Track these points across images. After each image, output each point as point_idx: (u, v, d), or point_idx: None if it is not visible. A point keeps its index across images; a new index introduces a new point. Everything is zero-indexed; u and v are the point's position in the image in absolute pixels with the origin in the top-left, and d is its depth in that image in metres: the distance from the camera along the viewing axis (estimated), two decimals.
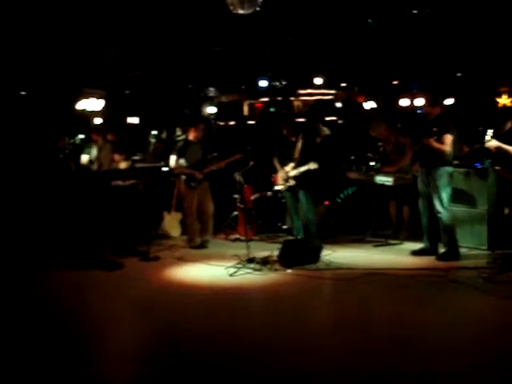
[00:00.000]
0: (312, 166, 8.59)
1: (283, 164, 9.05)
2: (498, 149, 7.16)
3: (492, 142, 7.11)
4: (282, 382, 4.40)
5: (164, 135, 13.57)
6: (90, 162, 9.83)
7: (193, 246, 9.19)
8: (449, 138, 7.68)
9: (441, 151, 7.67)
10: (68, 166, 10.81)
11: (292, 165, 8.90)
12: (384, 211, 9.19)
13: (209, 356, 4.90)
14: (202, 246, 9.20)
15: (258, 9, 6.74)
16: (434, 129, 7.65)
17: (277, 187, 9.99)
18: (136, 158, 9.96)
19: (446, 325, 5.46)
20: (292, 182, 8.94)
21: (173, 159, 9.28)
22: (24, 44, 10.72)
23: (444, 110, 8.08)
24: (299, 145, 8.91)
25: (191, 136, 9.41)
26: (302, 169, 8.75)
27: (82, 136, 10.80)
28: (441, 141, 7.65)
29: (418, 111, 14.59)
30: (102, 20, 10.21)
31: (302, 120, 13.51)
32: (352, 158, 10.99)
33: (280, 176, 9.11)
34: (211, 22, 10.71)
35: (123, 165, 10.26)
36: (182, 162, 9.20)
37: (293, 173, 8.89)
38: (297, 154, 8.89)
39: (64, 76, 12.29)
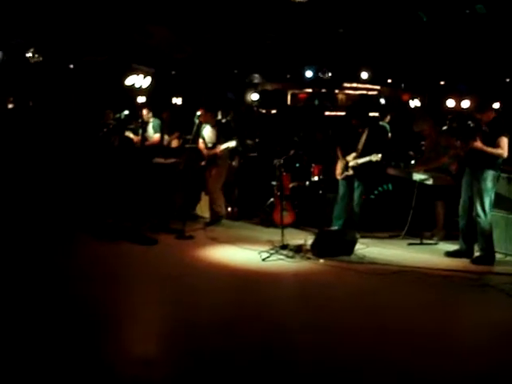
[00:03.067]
0: (374, 157, 8.68)
1: (346, 153, 9.11)
2: None
3: None
4: (304, 367, 4.42)
5: None
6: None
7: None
8: (504, 141, 7.58)
9: (497, 154, 7.57)
10: (111, 140, 10.97)
11: (354, 155, 8.98)
12: (422, 210, 9.13)
13: (234, 338, 4.94)
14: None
15: None
16: (485, 128, 7.56)
17: (315, 178, 10.04)
18: (188, 137, 10.09)
19: (472, 328, 5.47)
20: (350, 172, 9.02)
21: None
22: (75, 19, 10.86)
23: (498, 114, 7.94)
24: (364, 136, 9.01)
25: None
26: (362, 160, 8.85)
27: (126, 112, 10.93)
28: (496, 143, 7.56)
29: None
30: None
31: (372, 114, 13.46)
32: (392, 154, 10.93)
33: (340, 165, 9.18)
34: (261, 8, 10.73)
35: (175, 143, 10.44)
36: (200, 140, 9.83)
37: (352, 163, 8.96)
38: (360, 145, 8.99)
39: (113, 51, 12.42)
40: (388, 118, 12.41)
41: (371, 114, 13.77)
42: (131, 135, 10.47)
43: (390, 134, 12.56)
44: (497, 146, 7.56)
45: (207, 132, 9.80)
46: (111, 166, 10.01)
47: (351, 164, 8.99)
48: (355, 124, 9.17)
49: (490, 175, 7.63)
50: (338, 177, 9.23)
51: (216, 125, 9.78)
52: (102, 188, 9.76)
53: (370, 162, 8.76)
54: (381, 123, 12.11)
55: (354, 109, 9.83)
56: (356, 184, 9.05)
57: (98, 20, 11.03)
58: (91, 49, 12.55)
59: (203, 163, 9.76)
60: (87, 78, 13.22)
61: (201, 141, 9.84)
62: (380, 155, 8.68)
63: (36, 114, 11.95)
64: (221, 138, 9.65)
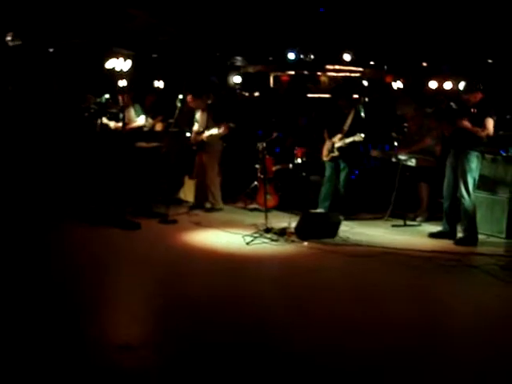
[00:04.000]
0: (357, 137, 8.78)
1: (332, 135, 9.09)
2: None
3: None
4: (285, 353, 4.39)
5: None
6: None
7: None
8: (490, 122, 7.60)
9: (482, 135, 7.58)
10: (93, 124, 10.84)
11: (339, 136, 9.01)
12: (405, 191, 9.14)
13: (217, 321, 4.93)
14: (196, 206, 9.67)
15: None
16: (473, 110, 7.57)
17: (298, 160, 10.02)
18: (170, 121, 10.01)
19: (457, 309, 5.49)
20: (336, 153, 9.04)
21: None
22: (54, 2, 10.69)
23: (485, 96, 7.93)
24: (350, 118, 9.08)
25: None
26: (348, 140, 8.89)
27: (107, 96, 10.81)
28: (483, 124, 7.57)
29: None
30: None
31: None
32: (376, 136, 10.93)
33: (326, 146, 9.22)
34: None
35: (159, 126, 10.35)
36: (195, 126, 9.86)
37: (339, 144, 8.98)
38: (346, 126, 9.07)
39: (93, 35, 12.26)
40: (363, 99, 12.47)
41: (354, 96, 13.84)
42: (108, 121, 10.34)
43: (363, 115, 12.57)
44: (483, 126, 7.58)
45: (199, 117, 9.77)
46: (93, 150, 9.91)
47: (338, 145, 9.01)
48: (342, 105, 9.20)
49: (473, 156, 7.66)
50: (325, 158, 9.25)
51: (206, 109, 9.69)
52: (85, 173, 9.66)
53: (354, 142, 8.80)
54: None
55: (340, 90, 9.83)
56: (342, 165, 9.09)
57: (77, 3, 10.86)
58: (71, 32, 12.38)
59: (194, 148, 9.75)
60: (67, 62, 13.04)
61: (195, 125, 9.80)
62: (363, 135, 8.70)
63: (16, 99, 11.79)
64: (210, 122, 9.56)
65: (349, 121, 9.07)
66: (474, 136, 7.60)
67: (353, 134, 8.84)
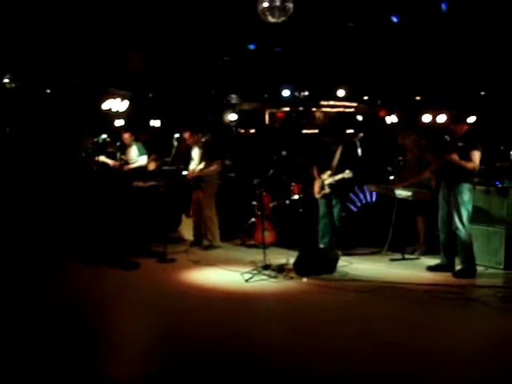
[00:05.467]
0: (347, 174, 8.68)
1: (321, 172, 9.14)
2: None
3: None
4: None
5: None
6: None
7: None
8: (476, 154, 7.67)
9: (469, 168, 7.65)
10: (89, 164, 10.91)
11: (329, 173, 9.01)
12: (403, 225, 9.16)
13: (218, 360, 4.91)
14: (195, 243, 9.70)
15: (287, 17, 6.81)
16: (460, 144, 7.64)
17: (295, 196, 10.07)
18: (167, 159, 10.08)
19: (458, 341, 5.46)
20: (327, 190, 9.03)
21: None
22: (51, 44, 10.85)
23: (471, 127, 8.05)
24: (338, 154, 9.05)
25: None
26: (338, 177, 8.86)
27: (104, 136, 10.93)
28: (469, 157, 7.65)
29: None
30: (130, 22, 10.33)
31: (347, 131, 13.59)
32: (372, 171, 11.00)
33: (317, 184, 9.21)
34: (237, 29, 10.80)
35: (152, 165, 10.41)
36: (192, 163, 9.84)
37: (328, 180, 8.98)
38: (335, 163, 9.03)
39: (90, 76, 12.42)
40: (359, 135, 12.59)
41: (347, 131, 13.98)
42: (107, 160, 10.42)
43: (359, 151, 12.73)
44: (469, 159, 7.65)
45: (195, 153, 9.78)
46: (91, 190, 9.95)
47: (328, 182, 9.00)
48: (329, 141, 9.22)
49: (465, 188, 7.71)
50: (317, 195, 9.25)
51: (203, 146, 9.76)
52: (82, 213, 9.69)
53: (344, 179, 8.79)
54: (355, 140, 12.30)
55: (328, 126, 9.91)
56: (334, 201, 9.08)
57: (73, 44, 11.03)
58: (68, 73, 12.53)
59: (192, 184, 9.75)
60: (64, 103, 13.17)
61: (192, 163, 9.81)
62: (351, 172, 8.68)
63: (13, 141, 11.88)
64: (205, 158, 9.63)
65: (337, 157, 9.04)
66: (463, 168, 7.67)
67: (342, 171, 8.83)
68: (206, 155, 9.61)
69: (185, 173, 10.11)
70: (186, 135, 9.72)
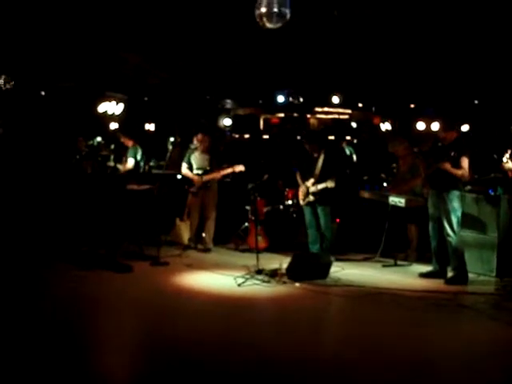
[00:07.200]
0: (329, 184, 8.65)
1: (305, 179, 9.12)
2: None
3: (510, 164, 7.23)
4: None
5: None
6: (137, 164, 10.05)
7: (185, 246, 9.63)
8: (465, 161, 7.72)
9: (459, 176, 7.70)
10: (83, 167, 10.92)
11: (312, 180, 8.97)
12: (395, 232, 9.20)
13: (209, 364, 4.90)
14: (189, 247, 9.65)
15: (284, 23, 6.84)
16: (452, 153, 7.68)
17: (289, 202, 10.09)
18: (152, 164, 10.06)
19: (448, 348, 5.46)
20: (311, 198, 9.00)
21: (183, 165, 9.82)
22: (47, 46, 10.86)
23: (460, 135, 8.11)
24: (320, 161, 9.00)
25: (198, 145, 9.83)
26: (320, 186, 8.83)
27: (99, 139, 10.93)
28: (459, 164, 7.69)
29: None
30: (126, 26, 10.36)
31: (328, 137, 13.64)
32: (365, 177, 11.06)
33: (301, 191, 9.17)
34: (233, 34, 10.84)
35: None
36: (184, 166, 9.78)
37: (312, 189, 8.96)
38: (317, 171, 8.98)
39: (85, 78, 12.43)
40: (344, 142, 12.68)
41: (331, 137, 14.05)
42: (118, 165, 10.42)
43: (354, 157, 12.76)
44: (459, 166, 7.69)
45: (196, 158, 9.73)
46: (84, 193, 9.94)
47: (311, 190, 8.99)
48: (309, 149, 9.19)
49: (454, 195, 7.77)
50: (301, 203, 9.23)
51: (209, 151, 9.75)
52: (76, 215, 9.67)
53: (327, 187, 8.77)
54: (344, 146, 12.32)
55: (308, 134, 9.90)
56: (319, 209, 9.06)
57: (70, 47, 11.04)
58: (63, 76, 12.53)
59: (193, 189, 9.68)
60: (59, 105, 13.17)
61: (186, 166, 9.76)
62: (334, 182, 8.65)
63: (7, 143, 11.86)
64: (214, 164, 9.65)
65: (319, 165, 8.99)
66: (453, 176, 7.72)
67: (325, 179, 8.77)
68: (212, 160, 9.63)
69: (179, 176, 10.12)
70: (199, 137, 9.69)
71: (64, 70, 12.14)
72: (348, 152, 12.92)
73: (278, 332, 5.90)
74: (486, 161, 8.65)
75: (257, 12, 6.95)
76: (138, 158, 10.20)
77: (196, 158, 9.74)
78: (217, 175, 9.64)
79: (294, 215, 10.05)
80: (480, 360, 5.18)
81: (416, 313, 6.56)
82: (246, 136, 17.12)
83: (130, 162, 10.08)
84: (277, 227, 10.10)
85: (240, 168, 9.54)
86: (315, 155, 9.08)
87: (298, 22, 8.93)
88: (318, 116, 17.48)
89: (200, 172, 9.64)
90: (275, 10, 6.72)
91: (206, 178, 9.60)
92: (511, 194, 8.16)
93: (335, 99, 16.10)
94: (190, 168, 9.76)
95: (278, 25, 6.77)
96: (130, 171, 10.06)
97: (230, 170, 9.61)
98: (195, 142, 9.90)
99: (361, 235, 9.98)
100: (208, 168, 9.65)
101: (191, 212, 9.76)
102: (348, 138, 16.39)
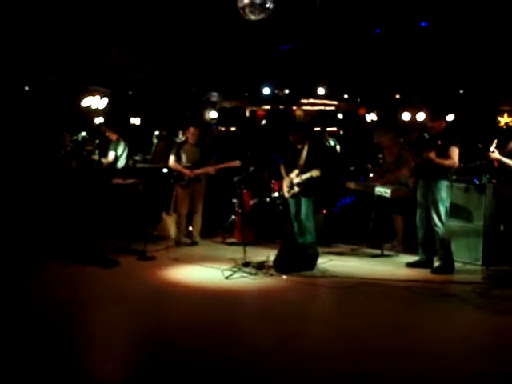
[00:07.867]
0: (315, 173, 8.61)
1: (289, 171, 9.10)
2: (499, 162, 7.30)
3: (496, 154, 7.26)
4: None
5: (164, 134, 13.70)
6: (116, 159, 9.99)
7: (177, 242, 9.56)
8: (455, 151, 7.73)
9: (446, 165, 7.72)
10: (68, 162, 10.84)
11: (296, 172, 8.95)
12: (382, 222, 9.21)
13: (196, 357, 4.89)
14: (178, 243, 9.57)
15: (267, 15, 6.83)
16: (439, 142, 7.69)
17: (275, 194, 10.07)
18: (137, 158, 10.01)
19: (436, 337, 5.48)
20: (296, 189, 8.98)
21: (171, 158, 9.68)
22: (30, 40, 10.76)
23: (448, 125, 8.11)
24: (304, 152, 8.97)
25: (188, 138, 9.76)
26: (305, 176, 8.80)
27: (84, 133, 10.86)
28: (447, 154, 7.70)
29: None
30: (109, 19, 10.29)
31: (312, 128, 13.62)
32: (351, 168, 11.06)
33: (285, 183, 9.15)
34: (217, 26, 10.80)
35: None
36: (172, 159, 9.62)
37: (296, 180, 8.93)
38: (302, 162, 8.94)
39: (69, 73, 12.34)
40: (327, 133, 12.72)
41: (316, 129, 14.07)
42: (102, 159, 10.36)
43: (338, 147, 12.76)
44: (448, 156, 7.70)
45: (187, 151, 9.62)
46: (69, 188, 9.88)
47: (296, 181, 8.97)
48: (293, 140, 9.17)
49: (443, 185, 7.78)
50: (286, 195, 9.21)
51: (199, 144, 9.69)
52: (61, 210, 9.61)
53: (312, 177, 8.75)
54: (327, 137, 12.34)
55: (292, 126, 9.89)
56: (303, 200, 9.03)
57: (53, 41, 10.95)
58: (46, 70, 12.44)
59: (183, 182, 9.54)
60: (43, 100, 13.07)
61: (174, 159, 9.61)
62: (319, 171, 8.64)
63: None
64: (205, 157, 9.60)
65: (303, 156, 8.95)
66: (441, 166, 7.73)
67: (309, 169, 8.76)
68: (203, 154, 9.59)
69: (165, 170, 10.07)
70: (192, 130, 9.61)
71: (47, 64, 12.04)
72: (332, 143, 12.92)
73: (265, 325, 5.89)
74: (471, 150, 8.66)
75: (240, 4, 6.93)
76: (119, 152, 10.15)
77: (186, 151, 9.63)
78: (210, 169, 9.58)
79: (281, 207, 10.03)
80: (467, 349, 5.21)
81: (403, 302, 6.58)
82: (232, 129, 17.06)
83: (110, 156, 10.05)
84: (263, 219, 10.09)
85: (236, 164, 9.49)
86: (299, 146, 9.05)
87: (282, 13, 8.92)
88: (304, 108, 17.47)
89: (189, 165, 9.56)
90: (258, 1, 6.70)
91: (198, 171, 9.51)
92: (496, 182, 8.17)
93: (321, 91, 16.09)
94: (179, 161, 9.66)
95: (262, 16, 6.76)
96: (111, 165, 10.02)
97: (225, 165, 9.56)
98: (183, 135, 9.86)
99: (348, 226, 9.99)
100: (198, 161, 9.58)
101: (180, 205, 9.67)
102: (334, 129, 16.43)
